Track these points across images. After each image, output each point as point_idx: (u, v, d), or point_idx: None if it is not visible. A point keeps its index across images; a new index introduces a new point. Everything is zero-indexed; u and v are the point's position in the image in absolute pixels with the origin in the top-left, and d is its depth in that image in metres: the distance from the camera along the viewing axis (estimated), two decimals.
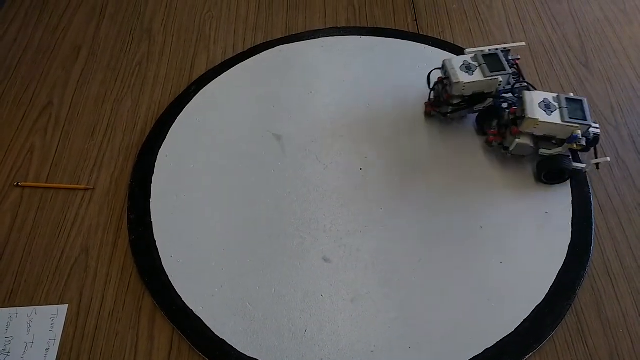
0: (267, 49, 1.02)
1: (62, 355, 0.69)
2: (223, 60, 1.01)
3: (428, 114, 0.89)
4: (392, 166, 0.85)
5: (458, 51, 1.01)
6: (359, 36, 1.04)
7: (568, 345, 0.69)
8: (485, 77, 0.79)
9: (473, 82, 0.79)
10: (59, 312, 0.72)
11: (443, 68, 0.83)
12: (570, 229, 0.77)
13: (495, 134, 0.82)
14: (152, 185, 0.84)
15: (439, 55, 1.00)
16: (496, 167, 0.84)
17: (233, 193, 0.83)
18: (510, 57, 0.85)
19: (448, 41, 1.03)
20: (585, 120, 0.75)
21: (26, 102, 0.96)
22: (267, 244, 0.77)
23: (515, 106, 0.81)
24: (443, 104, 0.85)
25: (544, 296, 0.71)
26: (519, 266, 0.74)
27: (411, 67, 0.98)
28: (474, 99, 0.82)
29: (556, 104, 0.76)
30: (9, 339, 0.70)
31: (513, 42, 1.02)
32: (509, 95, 0.83)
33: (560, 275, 0.73)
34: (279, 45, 1.03)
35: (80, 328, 0.71)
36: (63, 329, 0.70)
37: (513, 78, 0.83)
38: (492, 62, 0.81)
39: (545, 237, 0.77)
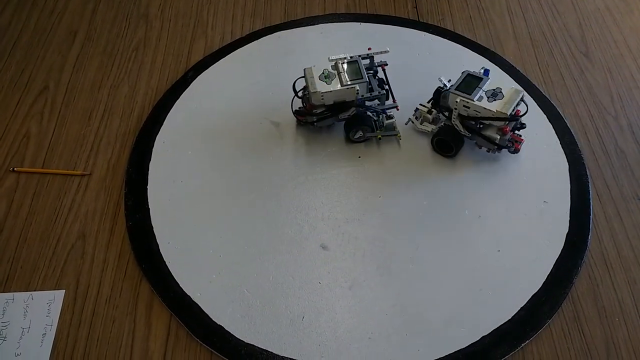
0: (265, 35, 1.01)
1: (59, 340, 0.68)
2: (221, 46, 1.00)
3: (299, 122, 0.87)
4: (391, 154, 0.85)
5: (458, 39, 1.00)
6: (358, 23, 1.03)
7: (564, 333, 0.69)
8: (342, 86, 0.78)
9: (330, 91, 0.78)
10: (55, 298, 0.72)
11: (304, 77, 0.81)
12: (568, 218, 0.77)
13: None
14: (150, 171, 0.83)
15: (439, 43, 1.00)
16: (497, 156, 0.84)
17: (230, 180, 0.82)
18: (376, 63, 0.85)
19: (448, 29, 1.02)
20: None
21: (22, 87, 0.95)
22: (264, 231, 0.77)
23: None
24: (307, 113, 0.83)
25: (541, 284, 0.71)
26: (517, 255, 0.74)
27: (411, 54, 0.97)
28: (337, 107, 0.81)
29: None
30: (6, 324, 0.69)
31: (513, 32, 1.02)
32: (375, 102, 0.82)
33: (557, 264, 0.73)
34: (277, 31, 1.02)
35: (77, 314, 0.70)
36: (60, 315, 0.70)
37: (378, 85, 0.82)
38: (351, 70, 0.79)
39: (543, 226, 0.77)
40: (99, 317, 0.70)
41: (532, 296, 0.70)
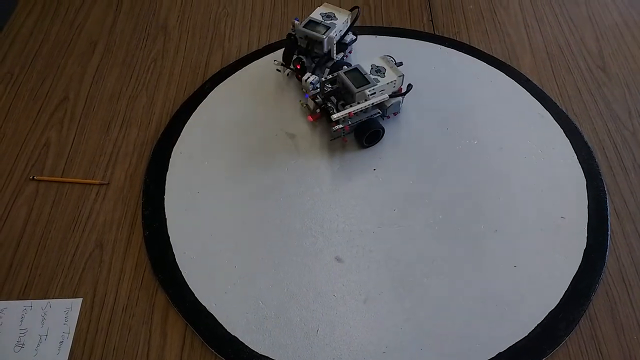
0: (282, 47, 1.02)
1: (76, 348, 0.69)
2: (238, 58, 1.02)
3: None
4: (406, 167, 0.85)
5: (474, 52, 1.00)
6: (374, 36, 1.04)
7: (581, 351, 0.68)
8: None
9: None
10: (73, 306, 0.72)
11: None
12: (586, 234, 0.77)
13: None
14: (167, 181, 0.84)
15: (455, 56, 1.00)
16: (512, 170, 0.83)
17: (247, 191, 0.83)
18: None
19: (464, 42, 1.03)
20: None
21: (42, 96, 0.97)
22: (279, 243, 0.77)
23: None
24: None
25: (558, 301, 0.71)
26: (533, 270, 0.74)
27: (426, 67, 0.98)
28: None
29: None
30: (24, 331, 0.70)
31: (529, 46, 1.02)
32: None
33: (574, 281, 0.72)
34: None
35: (94, 322, 0.71)
36: (77, 323, 0.71)
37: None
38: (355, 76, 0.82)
39: (560, 241, 0.76)
40: (115, 326, 0.71)
41: (549, 313, 0.70)
